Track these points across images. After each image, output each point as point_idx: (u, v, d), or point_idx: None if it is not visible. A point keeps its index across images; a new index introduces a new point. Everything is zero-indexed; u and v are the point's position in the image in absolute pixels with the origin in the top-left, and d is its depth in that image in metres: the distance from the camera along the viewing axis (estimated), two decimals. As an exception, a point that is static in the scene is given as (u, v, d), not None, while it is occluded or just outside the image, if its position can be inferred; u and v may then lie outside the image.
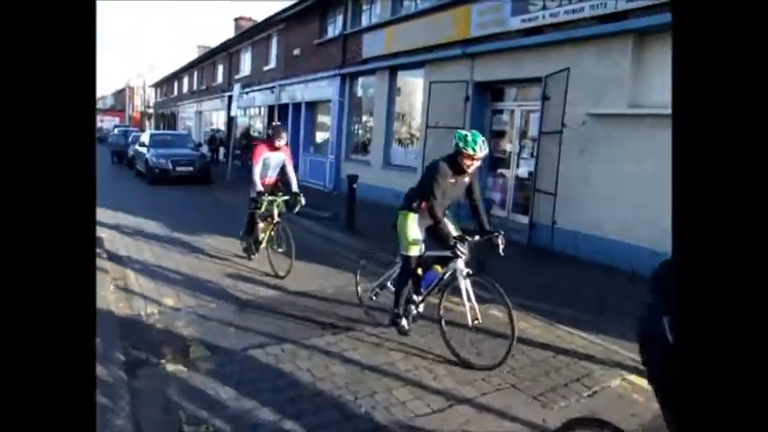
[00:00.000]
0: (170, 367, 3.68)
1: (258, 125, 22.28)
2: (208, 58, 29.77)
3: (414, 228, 4.23)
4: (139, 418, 2.99)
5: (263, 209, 6.36)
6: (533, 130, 9.02)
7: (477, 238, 4.05)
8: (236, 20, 29.59)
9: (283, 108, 19.04)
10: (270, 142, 6.43)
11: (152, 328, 4.41)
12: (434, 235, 4.26)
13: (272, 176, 6.66)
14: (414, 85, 12.28)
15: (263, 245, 6.53)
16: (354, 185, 9.18)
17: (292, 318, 4.77)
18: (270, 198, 6.30)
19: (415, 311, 4.40)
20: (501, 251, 3.95)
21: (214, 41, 38.83)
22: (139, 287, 5.54)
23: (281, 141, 6.44)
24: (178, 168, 15.73)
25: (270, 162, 6.46)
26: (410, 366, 3.87)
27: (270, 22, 19.35)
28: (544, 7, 8.32)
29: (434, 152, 10.48)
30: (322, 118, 17.06)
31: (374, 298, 4.78)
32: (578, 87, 7.64)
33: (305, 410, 3.17)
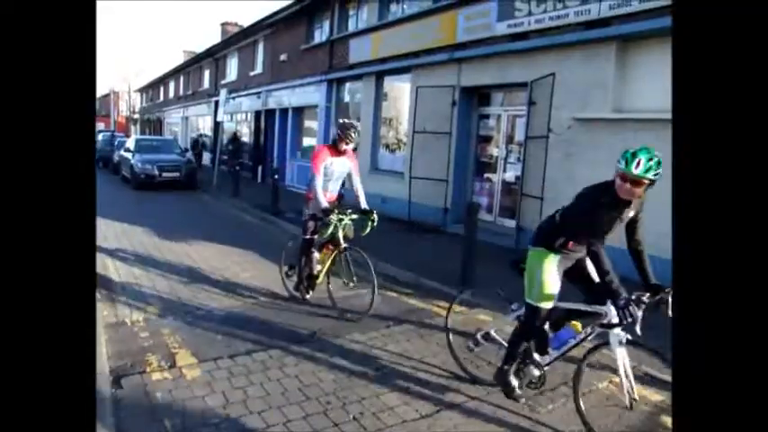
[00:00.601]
0: (156, 375, 3.64)
1: (245, 130, 22.19)
2: (194, 63, 29.65)
3: (552, 273, 3.25)
4: (123, 429, 2.95)
5: (328, 233, 4.96)
6: (520, 135, 9.08)
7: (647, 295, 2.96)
8: (223, 25, 29.49)
9: (270, 113, 18.98)
10: (335, 145, 5.04)
11: (137, 336, 4.36)
12: (575, 278, 3.40)
13: (333, 190, 5.32)
14: (401, 91, 12.31)
15: (321, 279, 5.31)
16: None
17: (279, 324, 4.74)
18: (337, 217, 4.92)
19: (537, 374, 3.41)
20: (669, 312, 2.76)
21: (200, 46, 38.69)
22: (125, 295, 5.48)
23: (350, 144, 5.04)
24: (164, 174, 15.62)
25: (333, 171, 5.11)
26: (398, 373, 3.86)
27: (256, 28, 19.32)
28: (530, 13, 8.39)
29: (422, 157, 10.54)
30: (309, 123, 17.03)
31: (475, 349, 3.88)
32: (564, 92, 7.72)
33: (293, 417, 3.16)
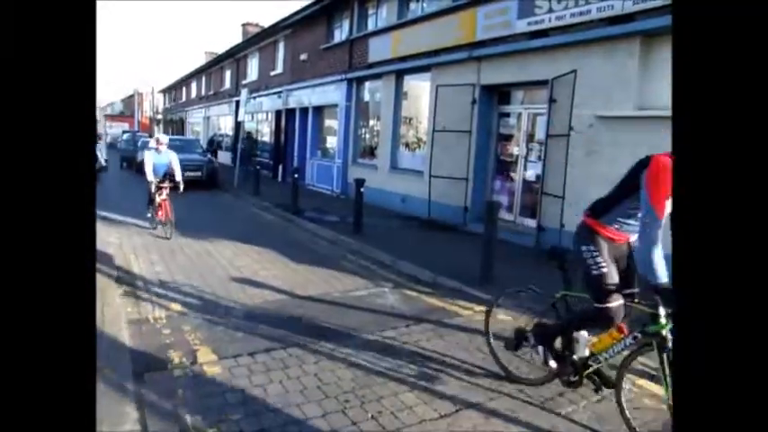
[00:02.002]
0: (177, 372, 3.69)
1: (266, 129, 22.37)
2: (215, 64, 29.98)
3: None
4: (146, 424, 3.00)
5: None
6: (540, 133, 8.99)
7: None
8: (244, 26, 29.78)
9: (290, 113, 19.11)
10: None
11: (159, 333, 4.42)
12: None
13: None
14: (420, 89, 12.28)
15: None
16: (362, 189, 9.19)
17: (298, 322, 4.76)
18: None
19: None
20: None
21: (222, 47, 39.08)
22: (148, 293, 5.57)
23: None
24: (186, 173, 15.76)
25: None
26: (416, 371, 3.86)
27: (277, 28, 19.44)
28: (550, 10, 8.31)
29: (441, 156, 10.51)
30: (329, 122, 17.10)
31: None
32: (585, 90, 7.62)
33: (312, 415, 3.17)
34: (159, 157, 8.99)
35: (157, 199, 8.69)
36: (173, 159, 9.05)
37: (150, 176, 8.73)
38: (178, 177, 8.96)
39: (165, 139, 9.33)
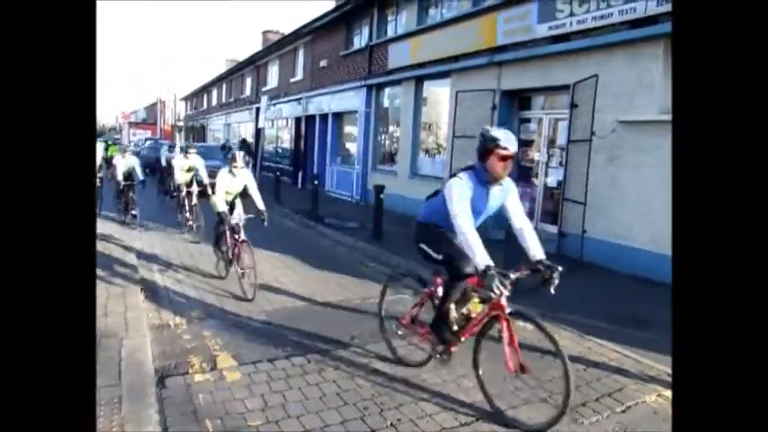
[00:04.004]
0: (198, 377, 3.71)
1: (285, 136, 22.53)
2: (236, 71, 30.32)
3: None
4: (168, 427, 3.01)
5: None
6: (562, 139, 8.90)
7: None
8: (264, 33, 30.09)
9: (310, 119, 19.23)
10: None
11: (180, 338, 4.45)
12: None
13: None
14: (440, 95, 12.26)
15: None
16: (381, 196, 9.18)
17: (317, 329, 4.76)
18: None
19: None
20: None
21: (242, 55, 39.54)
22: (169, 299, 5.62)
23: None
24: (208, 179, 16.01)
25: None
26: (437, 379, 3.82)
27: (297, 35, 19.61)
28: (571, 14, 8.23)
29: (461, 162, 10.45)
30: (349, 129, 17.17)
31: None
32: (607, 94, 7.52)
33: (331, 422, 3.16)
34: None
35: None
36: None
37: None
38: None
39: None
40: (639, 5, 7.13)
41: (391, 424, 3.16)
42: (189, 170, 9.57)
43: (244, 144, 21.20)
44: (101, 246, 7.24)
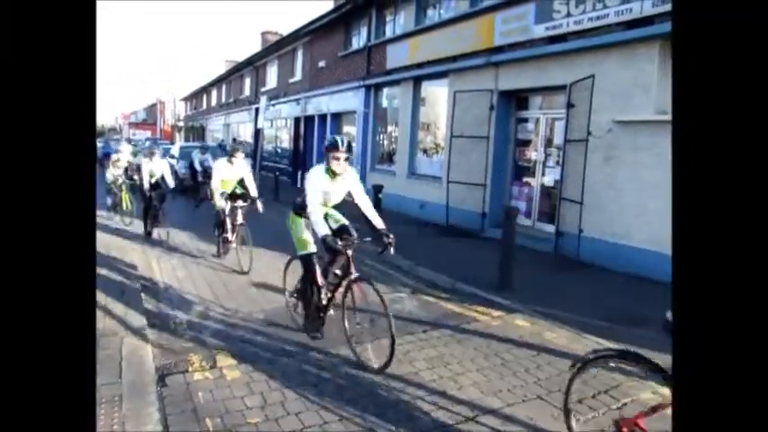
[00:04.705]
0: (197, 375, 3.74)
1: (285, 136, 22.55)
2: (235, 72, 30.35)
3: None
4: (168, 425, 3.05)
5: None
6: (558, 138, 8.94)
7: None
8: (263, 34, 30.10)
9: (309, 119, 19.25)
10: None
11: (181, 337, 4.49)
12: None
13: None
14: (438, 95, 12.30)
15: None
16: (380, 195, 9.21)
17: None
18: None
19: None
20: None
21: (241, 56, 39.53)
22: (169, 297, 5.65)
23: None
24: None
25: None
26: (434, 376, 3.86)
27: (295, 36, 19.64)
28: (568, 14, 8.27)
29: (459, 161, 10.51)
30: (347, 129, 17.19)
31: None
32: (604, 94, 7.56)
33: (330, 419, 3.20)
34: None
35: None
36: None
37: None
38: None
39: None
40: (635, 6, 7.18)
41: (390, 422, 3.20)
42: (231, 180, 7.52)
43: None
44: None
